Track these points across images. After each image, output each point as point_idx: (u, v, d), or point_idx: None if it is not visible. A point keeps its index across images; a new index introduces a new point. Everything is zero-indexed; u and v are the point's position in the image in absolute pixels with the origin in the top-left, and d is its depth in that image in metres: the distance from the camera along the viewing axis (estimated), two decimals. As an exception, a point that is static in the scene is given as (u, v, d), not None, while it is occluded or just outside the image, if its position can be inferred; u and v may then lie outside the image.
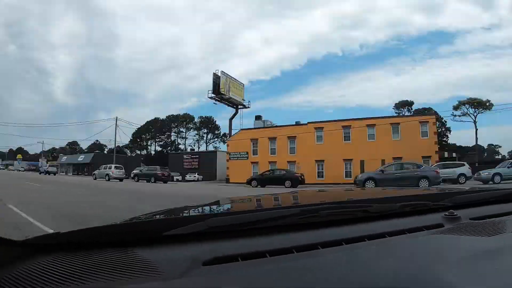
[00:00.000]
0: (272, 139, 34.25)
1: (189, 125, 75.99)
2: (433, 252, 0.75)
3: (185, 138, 76.12)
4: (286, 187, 21.09)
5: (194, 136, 75.51)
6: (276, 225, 0.85)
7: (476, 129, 49.26)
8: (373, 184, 16.18)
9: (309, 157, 30.95)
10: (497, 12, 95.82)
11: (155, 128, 75.89)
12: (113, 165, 31.83)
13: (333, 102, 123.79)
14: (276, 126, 37.38)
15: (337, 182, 26.07)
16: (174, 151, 66.57)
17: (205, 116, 75.94)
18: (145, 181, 27.13)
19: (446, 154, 35.98)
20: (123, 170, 30.49)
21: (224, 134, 70.17)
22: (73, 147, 78.67)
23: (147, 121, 75.15)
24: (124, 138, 67.53)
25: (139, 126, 67.46)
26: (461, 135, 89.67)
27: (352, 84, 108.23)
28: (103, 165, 32.60)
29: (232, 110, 42.99)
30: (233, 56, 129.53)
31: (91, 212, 6.77)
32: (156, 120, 75.76)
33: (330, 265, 0.67)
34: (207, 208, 1.33)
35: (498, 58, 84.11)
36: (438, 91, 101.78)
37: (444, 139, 53.32)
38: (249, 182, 23.75)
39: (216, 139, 75.59)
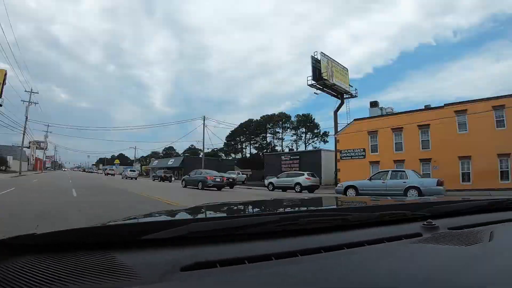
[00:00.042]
0: (397, 131, 25.17)
1: (286, 124, 70.66)
2: (412, 260, 0.78)
3: (282, 139, 71.18)
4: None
5: (292, 136, 69.81)
6: (256, 231, 0.86)
7: None
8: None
9: (448, 153, 21.65)
10: None
11: (249, 130, 72.66)
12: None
13: (430, 97, 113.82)
14: (400, 113, 27.47)
15: (490, 187, 17.38)
16: (270, 152, 61.45)
17: (302, 114, 69.72)
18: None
19: None
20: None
21: (325, 133, 62.70)
22: (169, 152, 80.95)
23: (241, 123, 71.93)
24: (219, 142, 66.44)
25: (233, 128, 64.59)
26: None
27: (449, 75, 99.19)
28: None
29: (331, 104, 35.27)
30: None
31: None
32: (250, 121, 72.43)
33: (309, 272, 0.68)
34: (187, 212, 1.37)
35: None
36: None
37: None
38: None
39: (315, 138, 68.35)
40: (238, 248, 0.77)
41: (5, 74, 37.91)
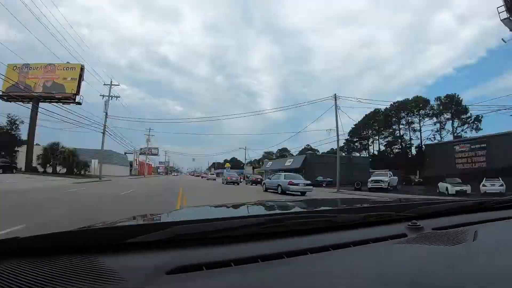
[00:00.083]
0: None
1: (423, 111, 57.09)
2: (397, 260, 0.79)
3: (418, 130, 57.38)
4: None
5: (434, 124, 55.72)
6: (243, 234, 0.86)
7: None
8: None
9: None
10: None
11: (377, 122, 60.95)
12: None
13: None
14: None
15: None
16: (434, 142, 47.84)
17: (446, 95, 55.07)
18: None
19: None
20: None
21: (477, 117, 47.66)
22: (283, 154, 74.20)
23: (366, 115, 61.30)
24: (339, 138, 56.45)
25: (356, 122, 54.00)
26: None
27: None
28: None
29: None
30: (430, 45, 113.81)
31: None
32: (377, 112, 59.91)
33: (296, 274, 0.68)
34: (171, 215, 1.40)
35: None
36: None
37: None
38: None
39: (465, 126, 53.08)
40: (224, 250, 0.77)
41: (82, 69, 34.58)
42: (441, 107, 55.16)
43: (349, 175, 32.33)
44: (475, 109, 55.16)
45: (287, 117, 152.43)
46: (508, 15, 19.37)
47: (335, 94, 27.47)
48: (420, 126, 57.97)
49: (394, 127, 61.73)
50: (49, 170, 32.22)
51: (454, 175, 23.32)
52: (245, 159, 71.70)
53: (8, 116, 37.88)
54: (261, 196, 16.18)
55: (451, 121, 54.44)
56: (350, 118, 54.14)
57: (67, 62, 33.82)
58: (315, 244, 0.83)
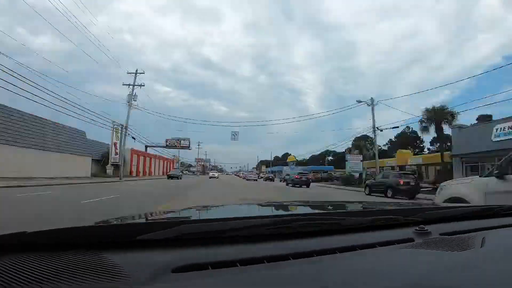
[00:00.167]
0: None
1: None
2: (403, 265, 0.78)
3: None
4: None
5: None
6: (249, 234, 0.86)
7: None
8: None
9: None
10: None
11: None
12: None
13: None
14: None
15: None
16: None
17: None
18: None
19: None
20: None
21: None
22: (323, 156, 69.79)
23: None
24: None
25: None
26: None
27: None
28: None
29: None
30: (477, 32, 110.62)
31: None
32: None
33: (301, 276, 0.68)
34: (179, 214, 1.41)
35: None
36: None
37: None
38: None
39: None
40: (230, 250, 0.77)
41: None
42: None
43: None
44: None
45: (332, 114, 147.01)
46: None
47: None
48: None
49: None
50: None
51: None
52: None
53: None
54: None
55: None
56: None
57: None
58: (322, 246, 0.83)
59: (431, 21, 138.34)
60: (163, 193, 14.80)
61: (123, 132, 31.83)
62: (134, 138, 36.67)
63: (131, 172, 43.44)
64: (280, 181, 35.21)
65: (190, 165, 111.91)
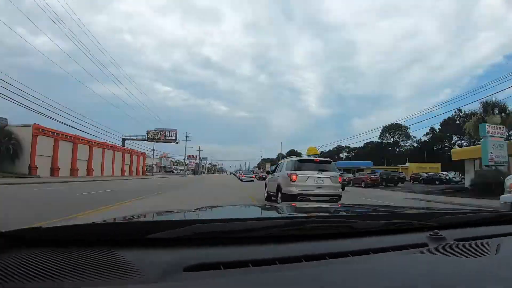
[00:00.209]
0: None
1: None
2: (417, 271, 0.76)
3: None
4: None
5: None
6: (261, 235, 0.85)
7: None
8: None
9: None
10: None
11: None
12: None
13: None
14: None
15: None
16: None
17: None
18: None
19: None
20: None
21: None
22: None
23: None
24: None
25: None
26: None
27: None
28: None
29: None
30: (478, 31, 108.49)
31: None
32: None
33: (313, 279, 0.67)
34: (192, 213, 1.39)
35: None
36: None
37: None
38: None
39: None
40: (242, 251, 0.77)
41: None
42: None
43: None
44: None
45: (331, 113, 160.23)
46: None
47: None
48: None
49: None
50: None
51: None
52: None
53: None
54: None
55: None
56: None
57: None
58: (334, 249, 0.82)
59: (430, 21, 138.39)
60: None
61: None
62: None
63: (32, 168, 26.34)
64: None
65: (178, 162, 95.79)
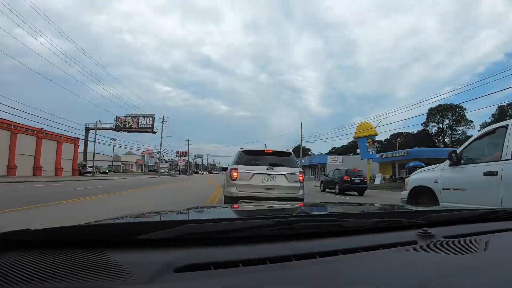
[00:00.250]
0: None
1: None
2: (406, 268, 0.78)
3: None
4: None
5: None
6: (252, 235, 0.86)
7: None
8: None
9: None
10: None
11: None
12: None
13: None
14: None
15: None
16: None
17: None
18: None
19: None
20: None
21: None
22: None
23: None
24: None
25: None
26: None
27: None
28: None
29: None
30: (479, 29, 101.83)
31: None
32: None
33: (303, 277, 0.68)
34: (181, 214, 1.39)
35: None
36: None
37: None
38: None
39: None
40: (232, 251, 0.78)
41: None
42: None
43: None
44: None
45: (332, 113, 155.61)
46: None
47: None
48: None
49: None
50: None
51: None
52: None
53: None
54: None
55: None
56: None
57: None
58: (324, 248, 0.83)
59: (431, 19, 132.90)
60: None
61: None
62: None
63: None
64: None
65: (172, 161, 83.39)
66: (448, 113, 60.02)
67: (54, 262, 0.63)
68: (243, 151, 7.39)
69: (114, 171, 67.07)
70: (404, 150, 35.08)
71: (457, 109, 56.93)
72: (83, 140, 43.54)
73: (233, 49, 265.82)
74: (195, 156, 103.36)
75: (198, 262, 0.68)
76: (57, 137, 36.03)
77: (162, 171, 72.86)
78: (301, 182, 7.15)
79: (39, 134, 32.38)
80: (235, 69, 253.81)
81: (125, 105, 72.90)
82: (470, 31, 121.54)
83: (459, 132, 62.01)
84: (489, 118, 54.41)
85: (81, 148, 43.23)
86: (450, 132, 62.64)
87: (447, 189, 4.68)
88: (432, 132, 64.91)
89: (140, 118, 45.17)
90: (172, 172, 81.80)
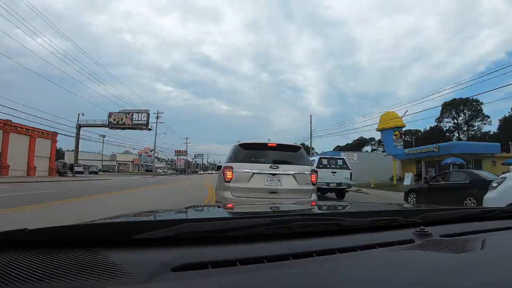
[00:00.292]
0: None
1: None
2: (403, 266, 0.78)
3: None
4: None
5: None
6: (249, 234, 0.86)
7: None
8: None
9: None
10: None
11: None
12: None
13: None
14: None
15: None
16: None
17: None
18: None
19: None
20: None
21: None
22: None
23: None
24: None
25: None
26: None
27: None
28: None
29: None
30: (480, 29, 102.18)
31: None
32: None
33: (301, 276, 0.68)
34: (180, 213, 1.38)
35: None
36: None
37: None
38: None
39: None
40: (230, 250, 0.78)
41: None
42: None
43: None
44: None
45: (333, 112, 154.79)
46: None
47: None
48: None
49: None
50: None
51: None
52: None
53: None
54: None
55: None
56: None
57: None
58: (322, 247, 0.83)
59: (431, 19, 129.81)
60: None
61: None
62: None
63: None
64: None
65: (172, 161, 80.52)
66: (464, 107, 56.17)
67: (51, 262, 0.62)
68: (240, 145, 5.91)
69: (109, 171, 63.66)
70: (434, 145, 30.17)
71: (474, 103, 53.03)
72: (74, 138, 40.40)
73: (233, 48, 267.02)
74: (195, 155, 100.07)
75: (196, 261, 0.68)
76: (29, 131, 31.42)
77: (160, 170, 69.26)
78: (313, 184, 5.76)
79: (6, 127, 27.79)
80: (235, 68, 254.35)
81: (125, 104, 70.04)
82: (470, 31, 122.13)
83: (474, 128, 58.22)
84: (508, 112, 50.52)
85: (70, 146, 39.64)
86: (466, 127, 58.76)
87: None
88: (445, 128, 61.12)
89: (134, 114, 43.16)
90: (170, 171, 78.18)
